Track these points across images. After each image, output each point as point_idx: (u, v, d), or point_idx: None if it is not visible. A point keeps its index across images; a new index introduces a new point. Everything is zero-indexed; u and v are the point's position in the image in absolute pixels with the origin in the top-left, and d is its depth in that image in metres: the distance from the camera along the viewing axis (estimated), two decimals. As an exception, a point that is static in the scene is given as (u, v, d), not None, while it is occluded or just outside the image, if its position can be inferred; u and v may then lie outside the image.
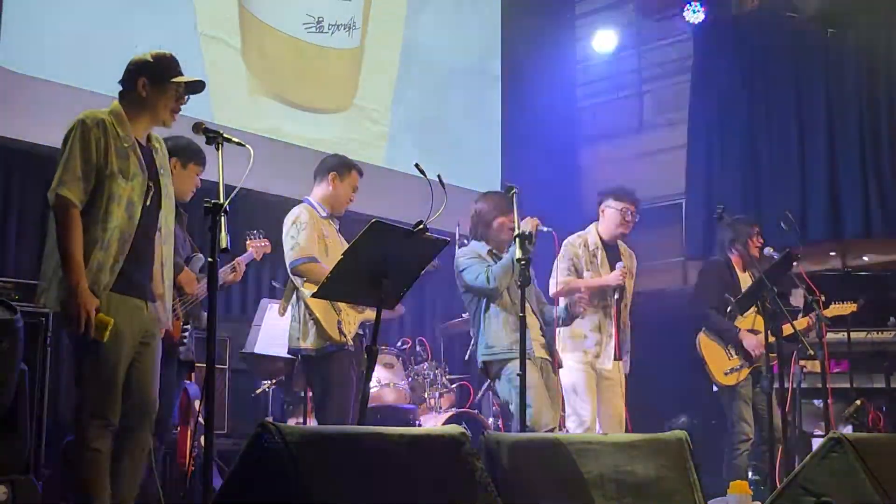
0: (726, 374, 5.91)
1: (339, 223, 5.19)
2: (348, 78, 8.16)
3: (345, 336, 4.77)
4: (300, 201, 5.14)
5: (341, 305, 4.82)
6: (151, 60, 3.85)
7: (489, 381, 5.29)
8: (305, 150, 7.35)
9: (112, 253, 3.63)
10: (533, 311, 5.10)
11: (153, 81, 3.79)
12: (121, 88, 3.84)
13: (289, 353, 5.00)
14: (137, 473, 3.78)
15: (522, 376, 4.45)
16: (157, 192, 3.82)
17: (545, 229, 4.99)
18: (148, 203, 3.76)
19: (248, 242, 5.55)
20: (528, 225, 4.92)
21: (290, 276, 4.92)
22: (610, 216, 5.70)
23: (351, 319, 4.85)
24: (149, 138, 3.88)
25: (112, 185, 3.65)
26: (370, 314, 4.89)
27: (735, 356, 5.94)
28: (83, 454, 3.61)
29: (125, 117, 3.76)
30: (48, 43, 6.21)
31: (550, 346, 5.17)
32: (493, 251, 5.16)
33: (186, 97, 3.86)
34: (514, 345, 4.73)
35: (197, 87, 3.85)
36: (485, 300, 5.10)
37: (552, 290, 5.43)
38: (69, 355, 6.08)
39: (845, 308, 6.19)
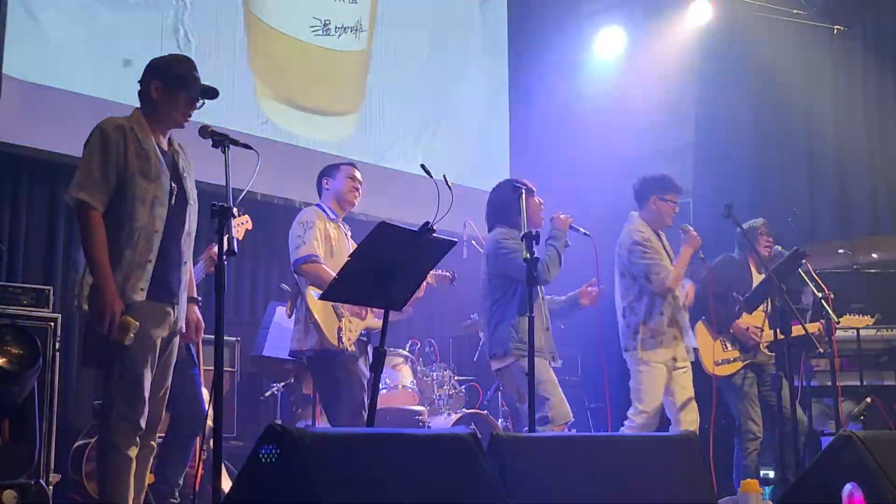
0: (717, 364, 5.92)
1: (350, 228, 5.20)
2: (356, 80, 8.15)
3: (342, 343, 4.77)
4: (307, 204, 5.16)
5: (344, 312, 4.82)
6: (165, 63, 3.89)
7: (499, 369, 5.16)
8: (313, 152, 7.35)
9: (141, 251, 3.68)
10: (544, 310, 5.15)
11: (165, 84, 3.82)
12: (139, 89, 3.88)
13: (290, 354, 5.00)
14: (144, 478, 3.80)
15: (531, 376, 4.44)
16: (182, 193, 3.84)
17: (581, 230, 5.02)
18: (173, 203, 3.79)
19: None
20: (559, 221, 4.97)
21: (295, 276, 4.94)
22: (663, 209, 5.65)
23: (353, 327, 4.85)
24: (170, 143, 3.91)
25: (134, 185, 3.69)
26: (373, 322, 4.92)
27: (731, 348, 5.96)
28: (111, 457, 3.64)
29: (144, 122, 3.80)
30: (54, 51, 6.22)
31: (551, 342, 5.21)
32: None
33: (201, 102, 3.87)
34: (545, 344, 4.89)
35: (211, 93, 3.85)
36: (514, 288, 5.03)
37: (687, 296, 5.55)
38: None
39: (861, 321, 6.15)
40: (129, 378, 3.64)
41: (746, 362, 5.93)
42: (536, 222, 5.07)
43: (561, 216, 5.04)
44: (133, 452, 3.66)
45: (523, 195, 4.84)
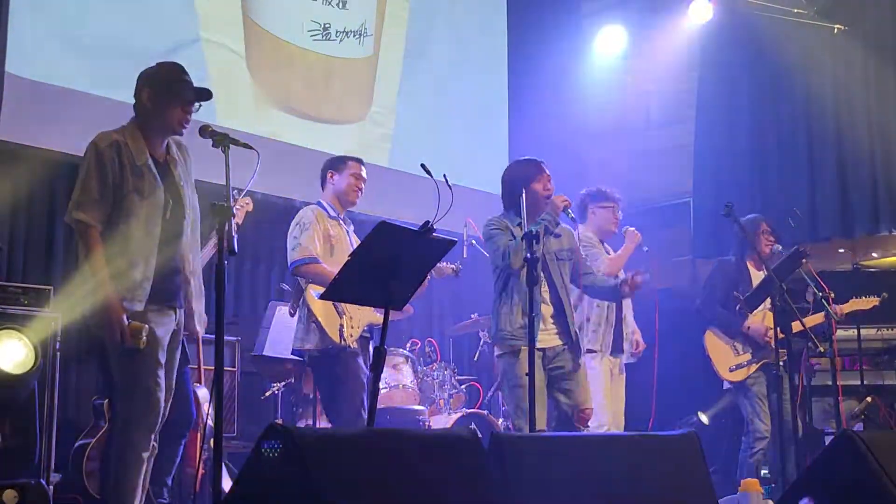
0: (731, 370, 5.93)
1: (352, 225, 5.18)
2: (362, 88, 8.05)
3: (345, 340, 4.76)
4: (308, 203, 5.15)
5: (346, 308, 4.82)
6: (155, 71, 3.91)
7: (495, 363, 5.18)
8: (313, 152, 7.33)
9: (137, 265, 3.72)
10: (549, 299, 4.95)
11: (157, 92, 3.84)
12: (133, 101, 3.90)
13: (292, 353, 5.02)
14: (146, 478, 3.82)
15: (531, 376, 4.42)
16: (177, 205, 3.86)
17: (570, 215, 5.01)
18: (168, 216, 3.82)
19: None
20: (557, 201, 4.90)
21: (295, 276, 4.95)
22: (602, 215, 5.91)
23: (355, 322, 4.84)
24: (168, 149, 3.90)
25: (129, 203, 3.73)
26: (376, 317, 4.91)
27: (743, 352, 5.95)
28: (128, 460, 3.69)
29: (138, 133, 3.81)
30: (55, 49, 6.22)
31: (569, 331, 4.95)
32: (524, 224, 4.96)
33: (197, 106, 3.88)
34: (520, 331, 4.66)
35: (203, 94, 3.86)
36: (505, 276, 4.93)
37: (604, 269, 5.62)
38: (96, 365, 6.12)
39: (867, 302, 6.15)
40: (143, 378, 3.70)
41: (760, 363, 5.91)
42: (540, 207, 4.97)
43: (557, 199, 4.95)
44: (147, 455, 3.71)
45: (523, 195, 4.82)
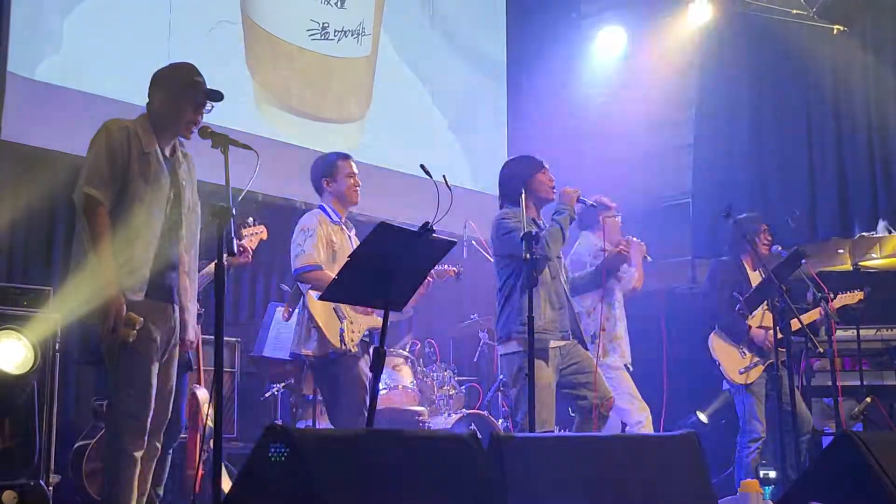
0: (741, 372, 5.91)
1: (354, 229, 5.17)
2: (360, 88, 8.04)
3: (345, 345, 4.76)
4: (308, 204, 5.15)
5: (347, 312, 4.81)
6: (167, 73, 3.92)
7: (502, 354, 5.00)
8: (313, 152, 7.31)
9: (138, 253, 3.70)
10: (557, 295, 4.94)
11: (170, 95, 3.85)
12: (147, 101, 3.92)
13: (290, 356, 5.01)
14: (146, 480, 3.81)
15: (531, 376, 4.42)
16: (178, 202, 3.86)
17: (588, 202, 5.02)
18: (168, 210, 3.81)
19: (241, 231, 5.12)
20: (566, 195, 4.91)
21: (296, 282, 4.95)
22: (611, 225, 5.98)
23: (356, 327, 4.83)
24: (174, 150, 3.92)
25: (134, 187, 3.71)
26: (377, 321, 4.90)
27: (748, 354, 5.95)
28: (118, 459, 3.67)
29: (149, 126, 3.83)
30: (57, 48, 6.22)
31: (576, 326, 5.00)
32: (534, 218, 4.97)
33: (209, 107, 3.88)
34: (551, 324, 4.75)
35: (215, 96, 3.86)
36: (521, 269, 4.73)
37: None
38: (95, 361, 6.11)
39: (853, 297, 6.18)
40: (136, 377, 3.67)
41: (767, 364, 5.91)
42: (546, 196, 4.99)
43: (568, 189, 4.97)
44: (139, 454, 3.69)
45: (523, 196, 4.81)
